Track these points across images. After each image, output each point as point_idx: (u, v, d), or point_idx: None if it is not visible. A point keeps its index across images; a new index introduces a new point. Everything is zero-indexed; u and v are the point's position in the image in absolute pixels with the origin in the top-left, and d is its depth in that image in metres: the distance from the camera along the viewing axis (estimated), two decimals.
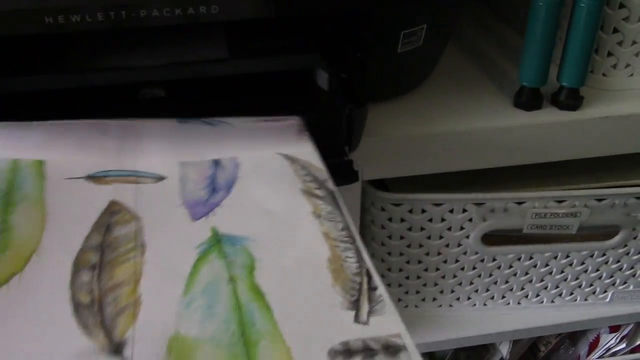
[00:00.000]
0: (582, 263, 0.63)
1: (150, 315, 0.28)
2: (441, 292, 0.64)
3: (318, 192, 0.35)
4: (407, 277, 0.62)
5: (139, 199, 0.34)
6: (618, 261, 0.64)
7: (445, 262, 0.61)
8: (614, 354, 0.78)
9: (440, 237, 0.58)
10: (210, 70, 0.45)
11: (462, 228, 0.57)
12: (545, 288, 0.66)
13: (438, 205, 0.55)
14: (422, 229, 0.57)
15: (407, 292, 0.64)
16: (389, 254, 0.60)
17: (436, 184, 0.56)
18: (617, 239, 0.61)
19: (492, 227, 0.57)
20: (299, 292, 0.29)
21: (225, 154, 0.38)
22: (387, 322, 0.27)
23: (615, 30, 0.50)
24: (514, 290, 0.65)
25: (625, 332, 0.77)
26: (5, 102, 0.40)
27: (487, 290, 0.65)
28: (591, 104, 0.51)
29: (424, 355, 0.75)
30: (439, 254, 0.60)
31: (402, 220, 0.57)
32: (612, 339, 0.77)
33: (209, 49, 0.45)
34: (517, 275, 0.63)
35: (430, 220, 0.57)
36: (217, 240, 0.32)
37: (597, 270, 0.64)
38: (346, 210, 0.34)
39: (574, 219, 0.57)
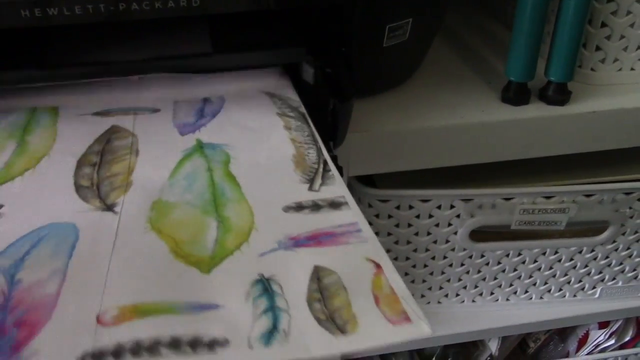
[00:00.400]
0: (571, 259, 0.63)
1: (140, 189, 0.33)
2: (429, 288, 0.64)
3: (291, 113, 0.40)
4: None
5: (136, 124, 0.39)
6: (607, 257, 0.64)
7: (433, 258, 0.60)
8: (603, 350, 0.78)
9: (428, 234, 0.58)
10: (193, 64, 0.44)
11: (450, 224, 0.57)
12: (534, 284, 0.65)
13: (426, 201, 0.55)
14: (409, 225, 0.57)
15: None
16: None
17: (424, 180, 0.55)
18: (605, 234, 0.60)
19: (480, 223, 0.57)
20: (265, 175, 0.34)
21: (215, 94, 0.43)
22: (335, 189, 0.33)
23: (604, 25, 0.50)
24: (502, 286, 0.65)
25: (614, 328, 0.77)
26: None
27: (476, 286, 0.64)
28: (579, 99, 0.51)
29: (412, 352, 0.75)
30: (427, 250, 0.59)
31: (390, 216, 0.56)
32: (601, 335, 0.77)
33: (193, 43, 0.44)
34: (506, 271, 0.63)
35: (418, 216, 0.56)
36: (200, 147, 0.37)
37: (586, 266, 0.64)
38: (312, 124, 0.39)
39: (563, 215, 0.57)
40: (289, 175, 0.34)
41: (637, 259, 0.65)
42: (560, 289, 0.67)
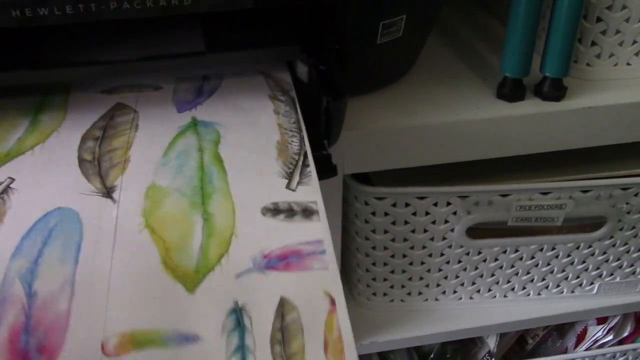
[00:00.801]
0: (569, 255, 0.63)
1: (135, 169, 0.36)
2: (427, 285, 0.64)
3: (281, 97, 0.42)
4: (392, 271, 0.62)
5: (139, 101, 0.42)
6: (604, 253, 0.63)
7: (430, 255, 0.60)
8: (602, 346, 0.78)
9: (425, 231, 0.58)
10: (187, 63, 0.44)
11: (446, 221, 0.57)
12: (532, 280, 0.65)
13: (422, 198, 0.55)
14: (406, 222, 0.57)
15: (392, 286, 0.64)
16: (374, 248, 0.60)
17: (420, 177, 0.55)
18: (603, 230, 0.60)
19: (477, 220, 0.57)
20: (250, 161, 0.37)
21: (215, 71, 0.46)
22: (309, 192, 0.35)
23: (599, 20, 0.49)
24: (500, 283, 0.65)
25: (612, 324, 0.77)
26: None
27: (473, 283, 0.64)
28: (575, 95, 0.50)
29: (410, 349, 0.75)
30: (424, 247, 0.59)
31: (386, 214, 0.56)
32: (599, 330, 0.77)
33: (186, 42, 0.44)
34: (503, 268, 0.63)
35: (415, 213, 0.56)
36: (194, 124, 0.40)
37: (584, 262, 0.64)
38: (300, 110, 0.41)
39: (559, 211, 0.57)
40: (272, 165, 0.37)
41: (635, 255, 0.64)
42: (558, 285, 0.67)
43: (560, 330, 0.82)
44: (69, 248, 0.32)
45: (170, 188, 0.35)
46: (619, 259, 0.65)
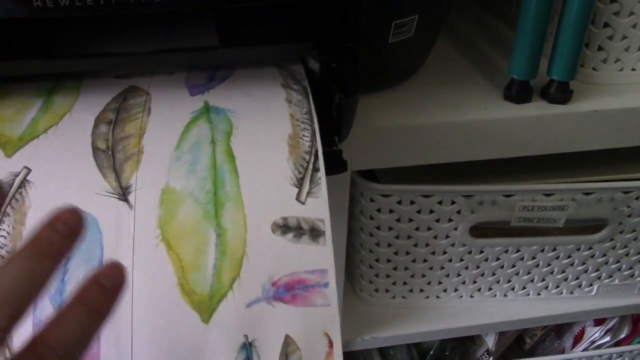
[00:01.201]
0: (569, 256, 0.64)
1: (149, 164, 0.36)
2: (428, 283, 0.65)
3: (294, 86, 0.42)
4: (395, 268, 0.63)
5: (152, 84, 0.42)
6: (604, 255, 0.64)
7: (433, 253, 0.61)
8: (599, 347, 0.79)
9: (429, 229, 0.58)
10: (199, 58, 0.44)
11: (450, 220, 0.58)
12: (532, 281, 0.66)
13: (427, 196, 0.56)
14: (410, 220, 0.57)
15: (394, 283, 0.65)
16: (378, 244, 0.60)
17: (425, 176, 0.56)
18: (603, 232, 0.61)
19: (480, 219, 0.58)
20: (261, 161, 0.37)
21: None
22: (318, 205, 0.35)
23: (606, 25, 0.50)
24: (500, 282, 0.66)
25: (609, 326, 0.77)
26: None
27: (474, 282, 0.65)
28: (581, 98, 0.51)
29: (410, 346, 0.76)
30: (427, 245, 0.60)
31: (391, 211, 0.57)
32: (597, 332, 0.78)
33: (199, 36, 0.45)
34: (504, 267, 0.64)
35: (419, 211, 0.57)
36: (207, 110, 0.39)
37: (584, 263, 0.65)
38: (312, 99, 0.41)
39: (562, 212, 0.57)
40: (282, 166, 0.37)
41: (634, 258, 0.65)
42: (558, 286, 0.67)
43: (558, 331, 0.82)
44: (91, 265, 0.32)
45: (184, 193, 0.35)
46: (618, 262, 0.65)
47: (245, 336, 0.32)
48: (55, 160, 0.36)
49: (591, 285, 0.68)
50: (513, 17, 0.60)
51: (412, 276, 0.64)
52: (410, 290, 0.66)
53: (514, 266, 0.64)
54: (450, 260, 0.62)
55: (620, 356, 0.79)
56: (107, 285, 0.25)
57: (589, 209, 0.58)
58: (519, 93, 0.50)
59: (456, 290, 0.66)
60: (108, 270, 0.26)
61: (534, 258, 0.63)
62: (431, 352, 0.75)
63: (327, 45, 0.44)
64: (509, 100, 0.51)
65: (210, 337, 0.32)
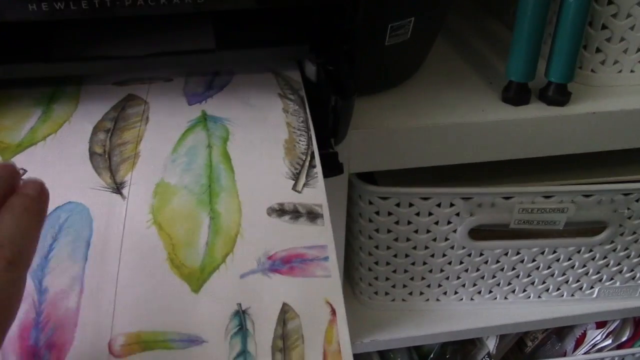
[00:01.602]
0: (569, 259, 0.63)
1: (145, 163, 0.36)
2: (428, 286, 0.65)
3: (291, 96, 0.42)
4: (395, 271, 0.63)
5: (150, 92, 0.42)
6: (605, 257, 0.64)
7: (432, 256, 0.61)
8: (600, 350, 0.78)
9: (428, 231, 0.58)
10: (197, 61, 0.44)
11: (449, 222, 0.57)
12: (532, 283, 0.66)
13: (426, 199, 0.55)
14: (409, 222, 0.57)
15: (394, 286, 0.64)
16: (377, 247, 0.60)
17: (424, 178, 0.56)
18: (604, 235, 0.61)
19: (480, 222, 0.57)
20: (257, 160, 0.37)
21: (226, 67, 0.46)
22: (315, 194, 0.35)
23: (604, 27, 0.50)
24: (501, 285, 0.65)
25: (611, 328, 0.77)
26: None
27: (474, 284, 0.65)
28: (579, 100, 0.51)
29: (410, 349, 0.75)
30: (426, 247, 0.60)
31: (390, 213, 0.57)
32: (598, 334, 0.78)
33: (197, 39, 0.45)
34: (504, 270, 0.63)
35: (418, 214, 0.57)
36: (204, 118, 0.40)
37: (584, 266, 0.65)
38: (308, 109, 0.41)
39: (561, 215, 0.57)
40: (278, 164, 0.37)
41: (635, 260, 0.65)
42: (558, 289, 0.67)
43: (559, 334, 0.82)
44: (79, 245, 0.32)
45: (178, 186, 0.35)
46: (619, 264, 0.65)
47: (239, 304, 0.31)
48: (52, 162, 0.36)
49: (592, 287, 0.68)
50: (510, 18, 0.60)
51: (411, 279, 0.64)
52: (410, 293, 0.65)
53: (514, 269, 0.64)
54: (449, 263, 0.62)
55: (622, 359, 0.78)
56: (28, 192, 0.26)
57: (588, 211, 0.58)
58: (517, 95, 0.50)
59: (456, 293, 0.66)
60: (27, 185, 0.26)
61: (534, 260, 0.63)
62: (432, 356, 0.75)
63: (323, 47, 0.44)
64: (507, 103, 0.51)
65: (199, 305, 0.31)
